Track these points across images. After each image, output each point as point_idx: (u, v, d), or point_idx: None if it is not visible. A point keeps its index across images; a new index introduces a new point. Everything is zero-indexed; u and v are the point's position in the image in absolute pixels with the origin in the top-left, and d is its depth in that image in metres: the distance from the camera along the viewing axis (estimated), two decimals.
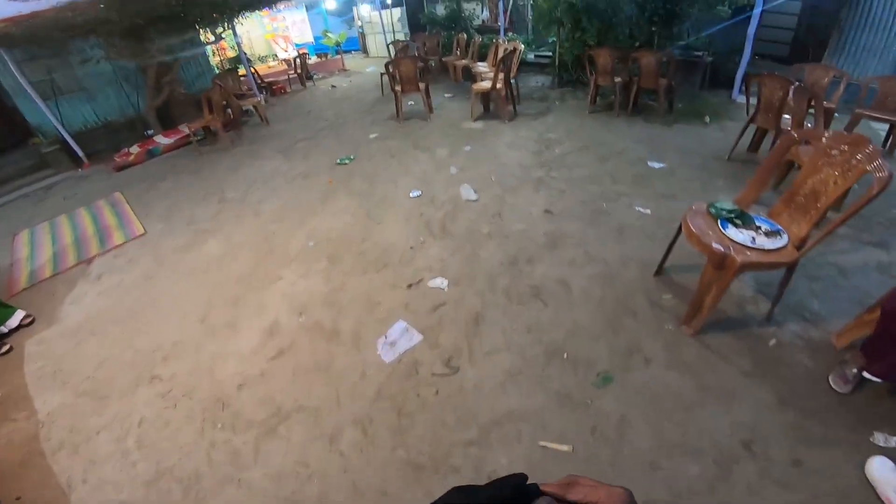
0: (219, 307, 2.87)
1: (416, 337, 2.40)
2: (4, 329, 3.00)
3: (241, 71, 10.73)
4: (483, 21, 10.43)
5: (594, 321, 2.34)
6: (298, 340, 2.49)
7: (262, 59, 13.24)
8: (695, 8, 5.91)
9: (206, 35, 7.40)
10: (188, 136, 6.72)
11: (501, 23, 8.44)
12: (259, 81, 9.61)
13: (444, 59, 8.43)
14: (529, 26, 10.45)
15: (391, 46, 9.32)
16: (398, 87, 5.78)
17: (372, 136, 5.73)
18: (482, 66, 6.78)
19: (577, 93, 6.64)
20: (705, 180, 3.63)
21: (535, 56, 8.49)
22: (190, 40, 7.16)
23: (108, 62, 7.04)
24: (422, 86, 5.81)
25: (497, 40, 7.04)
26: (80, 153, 7.17)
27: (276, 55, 13.36)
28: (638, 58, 5.08)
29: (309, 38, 13.73)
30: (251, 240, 3.61)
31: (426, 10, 10.11)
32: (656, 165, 3.97)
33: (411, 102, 6.97)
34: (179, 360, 2.47)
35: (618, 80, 5.29)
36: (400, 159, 4.83)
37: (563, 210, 3.38)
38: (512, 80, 5.74)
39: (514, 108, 5.93)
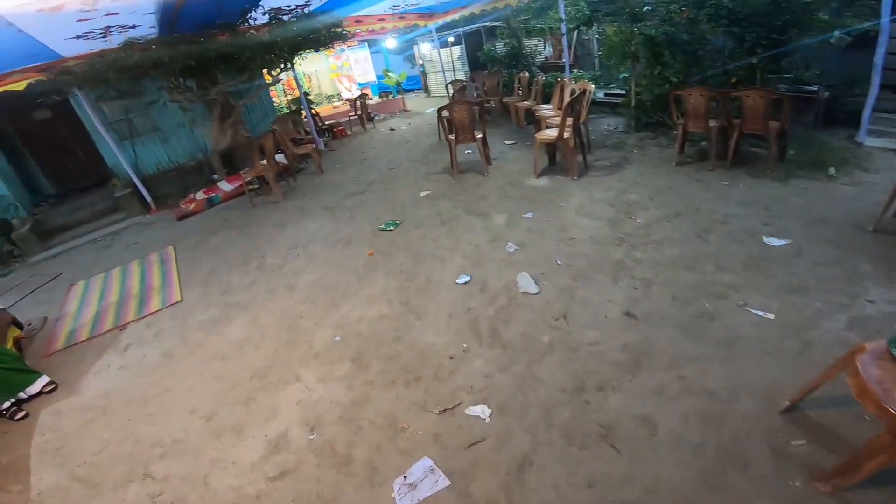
0: (228, 404, 2.67)
1: (443, 481, 1.94)
2: (24, 395, 3.09)
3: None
4: (546, 58, 10.08)
5: (685, 476, 1.77)
6: (305, 462, 2.17)
7: (329, 100, 13.84)
8: (807, 35, 5.08)
9: (266, 76, 7.60)
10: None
11: (566, 59, 7.98)
12: (320, 124, 9.90)
13: (504, 101, 8.09)
14: (597, 61, 9.96)
15: (450, 87, 9.20)
16: (452, 136, 5.44)
17: (423, 193, 5.43)
18: (546, 110, 6.32)
19: (659, 138, 5.95)
20: (847, 264, 2.81)
21: (606, 95, 7.90)
22: (249, 80, 7.35)
23: (176, 104, 7.42)
24: (478, 135, 5.44)
25: (562, 79, 6.59)
26: (149, 198, 7.62)
27: (340, 95, 13.93)
28: (740, 97, 4.34)
29: (371, 77, 14.22)
30: (277, 323, 3.40)
31: (485, 47, 9.96)
32: (775, 242, 3.18)
33: (468, 151, 6.68)
34: (177, 461, 2.35)
35: (713, 123, 4.56)
36: (450, 227, 4.41)
37: (649, 311, 2.71)
38: (581, 126, 5.20)
39: (585, 159, 5.34)
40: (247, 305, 3.73)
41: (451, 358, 2.62)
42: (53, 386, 3.18)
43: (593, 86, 5.36)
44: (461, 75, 12.17)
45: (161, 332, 3.62)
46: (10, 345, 3.45)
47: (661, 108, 6.08)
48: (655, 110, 6.11)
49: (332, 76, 13.88)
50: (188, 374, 3.01)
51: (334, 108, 13.00)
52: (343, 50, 13.63)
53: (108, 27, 5.06)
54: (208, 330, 3.49)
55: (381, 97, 13.11)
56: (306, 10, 6.64)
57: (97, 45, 5.70)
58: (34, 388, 3.10)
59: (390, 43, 13.60)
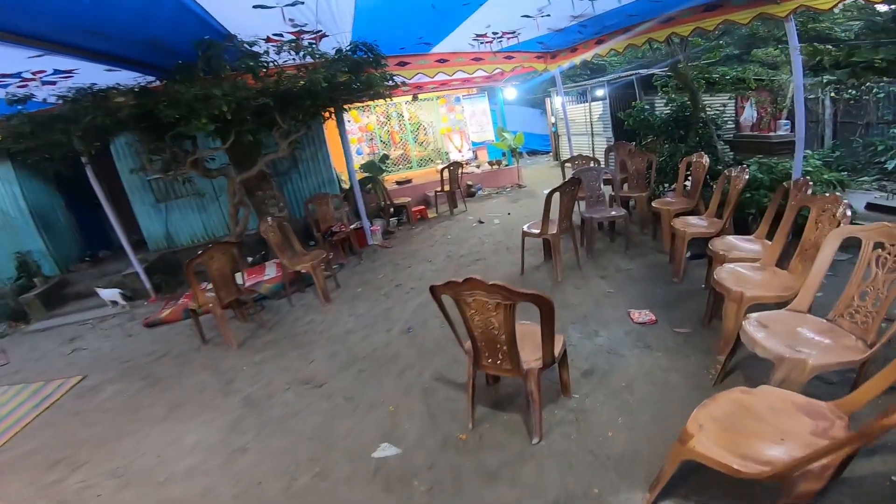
0: None
1: None
2: None
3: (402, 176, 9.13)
4: (748, 126, 6.25)
5: None
6: None
7: (445, 157, 11.75)
8: None
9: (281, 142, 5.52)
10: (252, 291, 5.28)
11: (800, 131, 4.23)
12: (386, 201, 7.82)
13: (654, 205, 4.68)
14: (828, 133, 5.88)
15: (567, 168, 6.17)
16: (471, 358, 2.41)
17: (381, 451, 2.53)
18: (746, 265, 2.87)
19: None
20: None
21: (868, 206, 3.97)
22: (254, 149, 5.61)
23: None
24: (534, 363, 2.25)
25: (803, 183, 2.97)
26: (147, 283, 6.37)
27: (448, 155, 11.87)
28: None
29: (490, 136, 11.89)
30: None
31: (634, 104, 6.54)
32: None
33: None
34: None
35: None
36: None
37: None
38: None
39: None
40: None
41: None
42: None
43: None
44: (601, 143, 9.01)
45: None
46: None
47: None
48: None
49: (441, 132, 11.94)
50: None
51: (437, 171, 10.91)
52: (458, 100, 11.69)
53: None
54: None
55: (491, 164, 10.67)
56: (316, 46, 4.49)
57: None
58: None
59: (509, 93, 11.15)
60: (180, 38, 3.59)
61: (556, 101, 10.24)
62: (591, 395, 2.69)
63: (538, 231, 4.21)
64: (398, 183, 9.90)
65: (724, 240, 3.30)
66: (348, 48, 4.64)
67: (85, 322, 5.87)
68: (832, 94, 8.29)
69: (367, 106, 10.79)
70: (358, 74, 4.73)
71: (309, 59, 4.52)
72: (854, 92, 7.70)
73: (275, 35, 4.00)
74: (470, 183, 9.77)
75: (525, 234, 4.43)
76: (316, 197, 6.35)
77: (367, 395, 3.13)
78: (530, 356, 2.25)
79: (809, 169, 4.10)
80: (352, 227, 6.87)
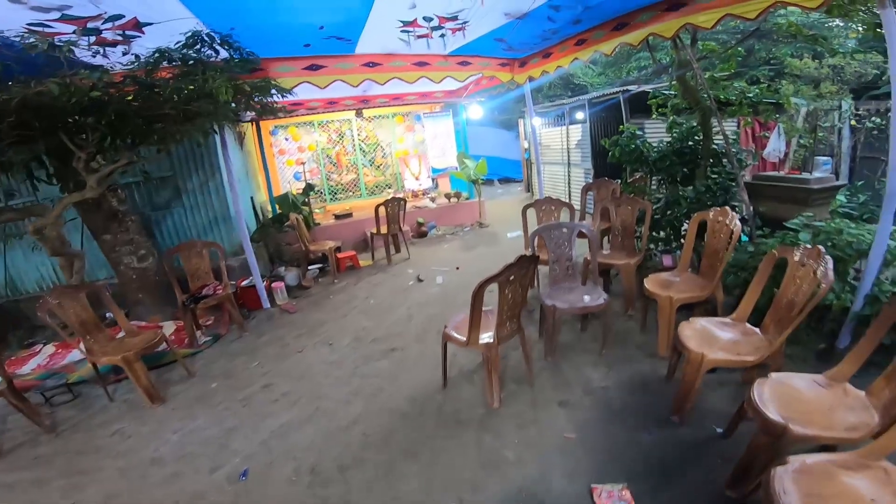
0: None
1: None
2: None
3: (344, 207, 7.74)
4: (775, 162, 4.84)
5: None
6: None
7: (389, 188, 10.25)
8: None
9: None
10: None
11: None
12: (303, 248, 6.17)
13: (648, 285, 3.12)
14: (841, 169, 4.77)
15: (527, 212, 4.68)
16: None
17: None
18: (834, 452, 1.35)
19: None
20: None
21: None
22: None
23: None
24: None
25: None
26: None
27: (403, 183, 10.36)
28: None
29: (453, 160, 10.43)
30: None
31: (624, 127, 5.07)
32: None
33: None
34: None
35: None
36: None
37: None
38: None
39: None
40: None
41: None
42: None
43: None
44: (578, 176, 7.64)
45: None
46: None
47: None
48: None
49: (396, 155, 10.41)
50: None
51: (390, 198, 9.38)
52: (419, 118, 10.25)
53: None
54: None
55: (449, 197, 9.19)
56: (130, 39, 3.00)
57: None
58: None
59: (474, 112, 9.78)
60: None
61: (534, 122, 8.91)
62: None
63: (464, 338, 2.65)
64: (336, 217, 8.30)
65: (783, 384, 1.78)
66: (181, 44, 3.13)
67: None
68: (853, 122, 7.18)
69: (310, 122, 9.32)
70: (193, 79, 3.20)
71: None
72: (879, 120, 6.60)
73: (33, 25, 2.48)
74: (421, 220, 8.25)
75: (447, 337, 2.84)
76: (183, 246, 4.68)
77: None
78: None
79: (892, 242, 2.66)
80: (243, 283, 5.26)
